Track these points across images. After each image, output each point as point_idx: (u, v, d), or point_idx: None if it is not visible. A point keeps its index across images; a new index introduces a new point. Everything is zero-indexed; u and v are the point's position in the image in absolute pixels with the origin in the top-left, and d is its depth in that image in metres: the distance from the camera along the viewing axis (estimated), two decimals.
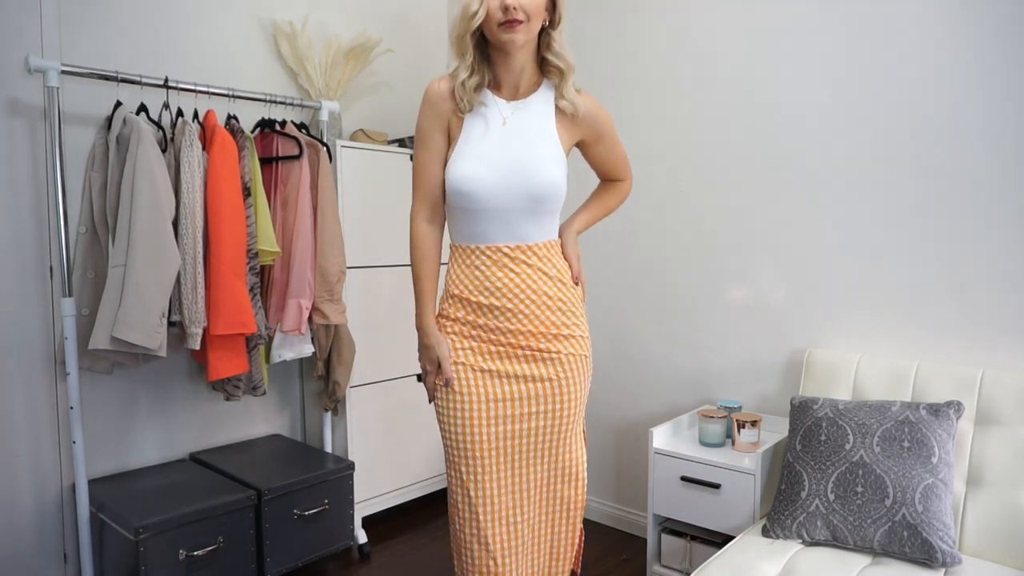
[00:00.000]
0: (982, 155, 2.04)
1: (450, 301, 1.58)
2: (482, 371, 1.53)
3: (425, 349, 1.57)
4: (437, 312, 1.60)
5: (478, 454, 1.53)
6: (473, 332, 1.54)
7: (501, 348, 1.53)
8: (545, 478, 1.60)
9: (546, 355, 1.54)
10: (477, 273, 1.53)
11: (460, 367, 1.54)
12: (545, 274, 1.54)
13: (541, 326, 1.53)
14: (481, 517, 1.55)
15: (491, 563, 1.56)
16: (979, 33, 2.02)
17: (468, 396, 1.53)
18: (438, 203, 1.58)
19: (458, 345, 1.55)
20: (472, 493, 1.55)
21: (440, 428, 1.59)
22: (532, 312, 1.52)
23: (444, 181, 1.54)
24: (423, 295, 1.58)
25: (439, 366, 1.55)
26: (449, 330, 1.57)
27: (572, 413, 1.59)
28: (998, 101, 2.00)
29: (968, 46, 2.04)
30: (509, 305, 1.52)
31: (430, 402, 1.60)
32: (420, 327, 1.58)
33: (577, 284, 1.63)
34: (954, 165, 2.08)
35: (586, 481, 1.67)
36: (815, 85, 2.32)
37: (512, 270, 1.52)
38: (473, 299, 1.53)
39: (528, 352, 1.53)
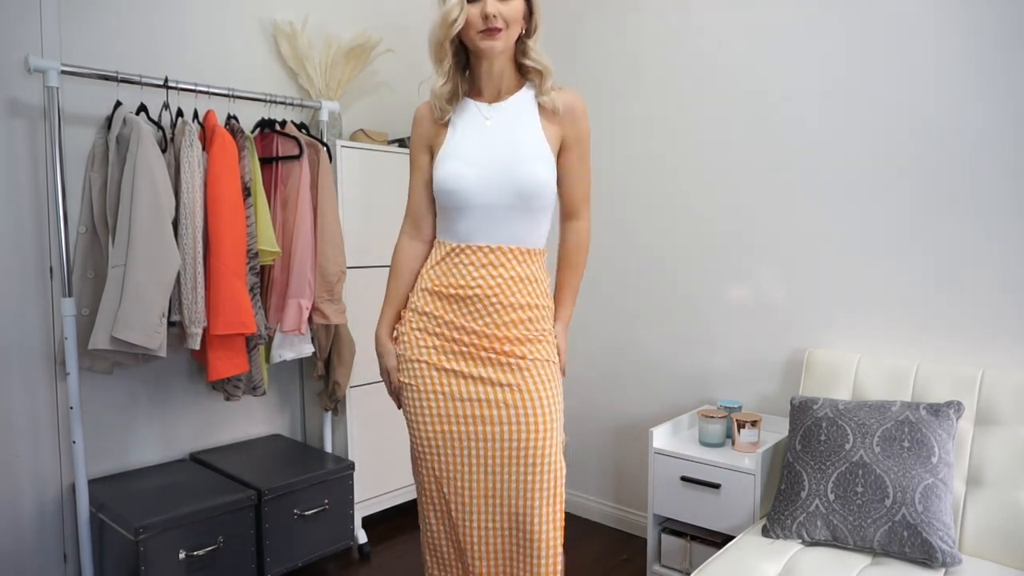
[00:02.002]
0: (982, 155, 2.04)
1: (419, 294, 1.58)
2: (443, 370, 1.52)
3: (378, 357, 1.65)
4: (406, 305, 1.62)
5: (442, 451, 1.53)
6: (437, 330, 1.53)
7: (464, 348, 1.51)
8: (518, 489, 1.50)
9: (511, 360, 1.50)
10: (454, 271, 1.53)
11: (423, 365, 1.54)
12: (522, 280, 1.51)
13: (508, 331, 1.50)
14: (454, 513, 1.54)
15: (464, 559, 1.56)
16: (979, 33, 2.02)
17: (428, 393, 1.53)
18: (419, 220, 1.63)
19: (421, 343, 1.55)
20: (446, 489, 1.54)
21: (407, 426, 1.60)
22: (502, 316, 1.50)
23: (432, 193, 1.58)
24: (386, 305, 1.65)
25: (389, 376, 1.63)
26: (414, 325, 1.56)
27: (545, 422, 1.50)
28: (998, 101, 2.00)
29: (969, 46, 2.04)
30: (480, 305, 1.50)
31: (398, 408, 1.64)
32: (376, 336, 1.65)
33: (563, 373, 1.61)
34: (954, 165, 2.08)
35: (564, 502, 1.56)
36: (815, 85, 2.33)
37: (489, 271, 1.50)
38: (444, 292, 1.53)
39: (492, 355, 1.50)
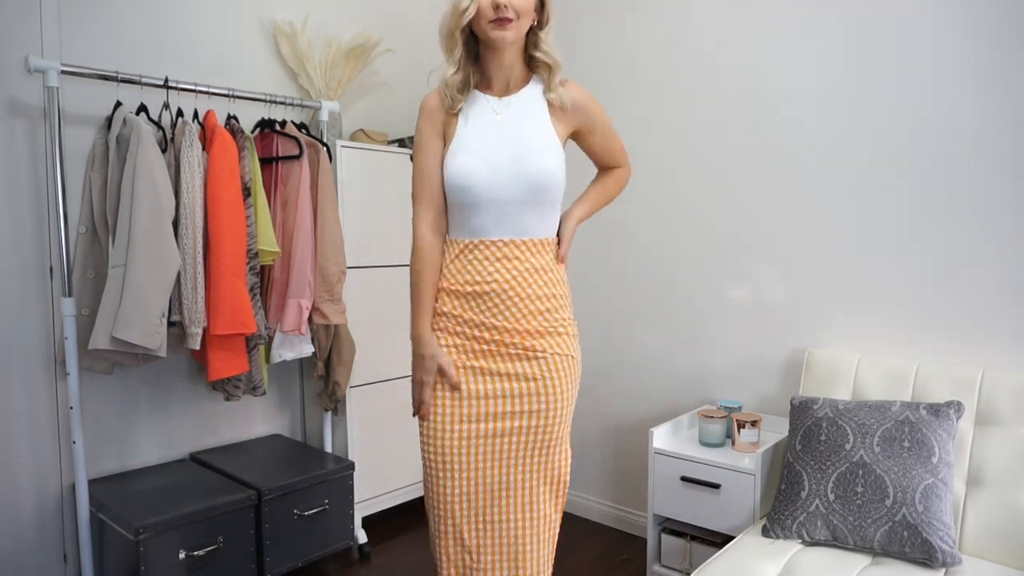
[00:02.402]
0: (981, 155, 2.04)
1: (438, 295, 1.57)
2: (466, 368, 1.53)
3: (422, 360, 1.54)
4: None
5: (458, 450, 1.53)
6: (458, 329, 1.53)
7: (486, 346, 1.52)
8: (529, 481, 1.55)
9: (531, 353, 1.52)
10: (469, 267, 1.53)
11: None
12: (537, 271, 1.53)
13: (528, 323, 1.52)
14: (458, 513, 1.54)
15: (467, 557, 1.55)
16: (978, 34, 2.02)
17: (451, 392, 1.53)
18: (442, 209, 1.57)
19: (443, 342, 1.55)
20: (450, 489, 1.54)
21: (420, 425, 1.56)
22: (520, 308, 1.51)
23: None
24: (421, 304, 1.55)
25: (440, 375, 1.53)
26: (435, 326, 1.56)
27: (560, 415, 1.55)
28: (997, 101, 2.00)
29: (967, 46, 2.04)
30: (497, 300, 1.51)
31: (415, 415, 1.57)
32: (416, 338, 1.55)
33: (560, 262, 1.59)
34: (953, 165, 2.08)
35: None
36: (814, 86, 2.33)
37: (504, 264, 1.51)
38: (462, 290, 1.52)
39: (514, 351, 1.52)
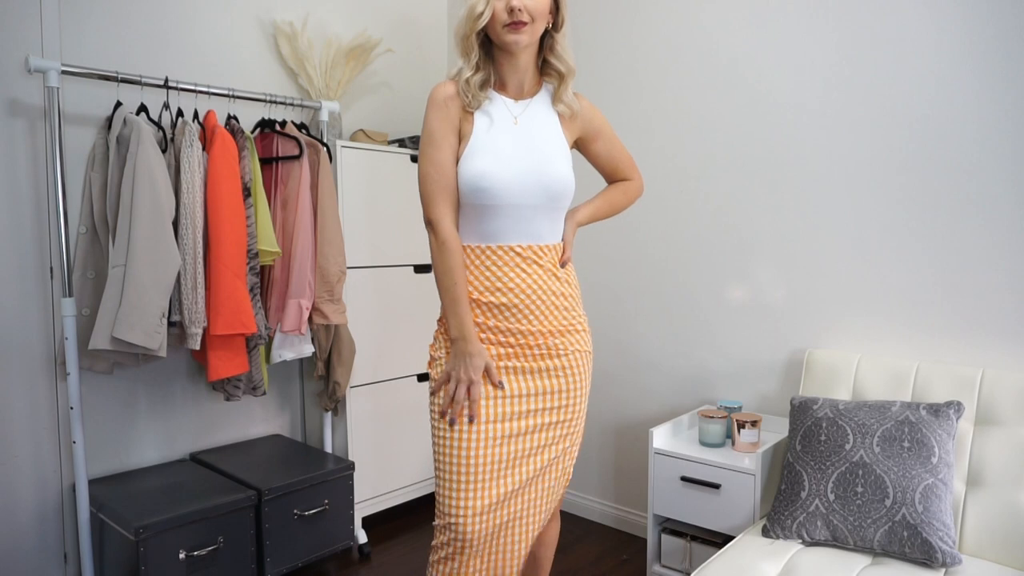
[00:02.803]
0: (982, 155, 2.04)
1: None
2: (497, 367, 1.53)
3: (471, 358, 1.49)
4: (441, 315, 1.58)
5: (495, 453, 1.50)
6: (483, 336, 1.54)
7: (511, 349, 1.53)
8: (543, 478, 1.58)
9: (553, 351, 1.56)
10: (488, 274, 1.52)
11: None
12: (554, 275, 1.57)
13: (548, 324, 1.55)
14: (487, 526, 1.51)
15: (476, 561, 1.53)
16: (978, 34, 2.02)
17: (490, 392, 1.52)
18: (457, 206, 1.53)
19: None
20: (478, 498, 1.49)
21: (451, 429, 1.50)
22: (542, 311, 1.54)
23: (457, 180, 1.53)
24: (463, 303, 1.50)
25: (482, 375, 1.50)
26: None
27: (581, 409, 1.63)
28: (998, 102, 2.00)
29: (968, 47, 2.04)
30: (520, 305, 1.52)
31: (450, 417, 1.50)
32: (464, 336, 1.49)
33: (563, 266, 1.59)
34: (954, 166, 2.08)
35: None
36: (816, 86, 2.32)
37: (524, 270, 1.52)
38: (484, 299, 1.52)
39: (538, 351, 1.55)
